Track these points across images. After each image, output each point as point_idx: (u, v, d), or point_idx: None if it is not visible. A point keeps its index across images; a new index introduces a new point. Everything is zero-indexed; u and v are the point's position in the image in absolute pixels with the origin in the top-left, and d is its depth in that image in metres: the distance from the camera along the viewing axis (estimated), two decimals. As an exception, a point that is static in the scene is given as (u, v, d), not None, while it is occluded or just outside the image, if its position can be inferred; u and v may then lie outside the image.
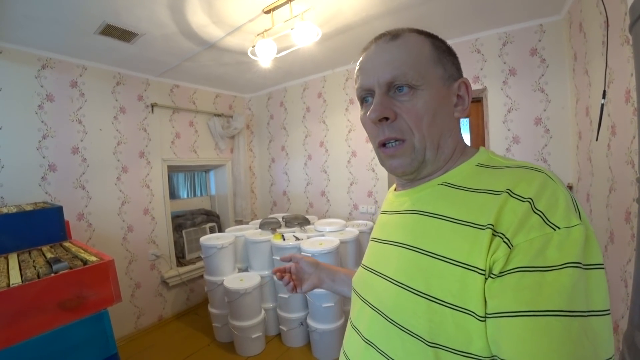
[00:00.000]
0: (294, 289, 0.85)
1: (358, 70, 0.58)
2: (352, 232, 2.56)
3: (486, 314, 0.40)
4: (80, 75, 2.43)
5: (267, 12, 1.85)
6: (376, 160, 2.93)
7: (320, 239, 2.44)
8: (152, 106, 2.90)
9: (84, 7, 1.70)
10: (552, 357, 0.34)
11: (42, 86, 2.23)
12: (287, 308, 2.43)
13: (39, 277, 1.16)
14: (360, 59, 0.58)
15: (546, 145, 2.19)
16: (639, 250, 1.01)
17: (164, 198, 3.00)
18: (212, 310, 2.58)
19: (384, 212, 0.66)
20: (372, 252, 0.64)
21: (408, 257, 0.51)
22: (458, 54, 0.58)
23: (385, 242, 0.59)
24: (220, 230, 3.62)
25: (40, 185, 2.22)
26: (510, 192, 0.43)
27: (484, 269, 0.41)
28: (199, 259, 3.25)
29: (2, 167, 2.05)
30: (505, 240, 0.40)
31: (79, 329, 1.20)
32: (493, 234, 0.41)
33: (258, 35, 2.04)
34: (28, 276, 1.15)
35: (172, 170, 3.27)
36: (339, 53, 2.66)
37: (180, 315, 3.07)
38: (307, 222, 2.87)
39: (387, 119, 0.53)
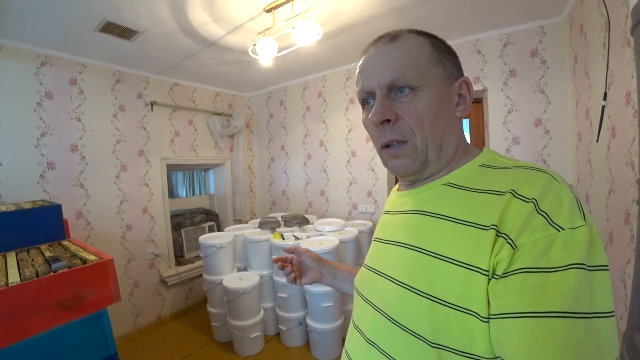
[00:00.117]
0: (295, 280, 0.86)
1: (358, 73, 0.58)
2: (351, 231, 2.56)
3: (489, 314, 0.40)
4: (80, 73, 2.42)
5: (268, 10, 1.85)
6: (376, 160, 2.93)
7: (320, 238, 2.44)
8: (152, 104, 2.89)
9: (85, 3, 1.69)
10: (556, 359, 0.34)
11: (41, 83, 2.21)
12: (286, 307, 2.43)
13: (37, 276, 1.15)
14: (361, 61, 0.58)
15: (546, 147, 2.20)
16: (638, 251, 1.02)
17: (163, 197, 2.99)
18: (211, 309, 2.58)
19: (387, 212, 0.66)
20: (374, 252, 0.64)
21: (411, 257, 0.51)
22: (458, 55, 0.58)
23: (388, 242, 0.59)
24: (219, 229, 3.62)
25: (38, 183, 2.21)
26: (514, 193, 0.43)
27: (487, 269, 0.41)
28: (197, 258, 3.24)
29: (1, 165, 2.04)
30: (509, 241, 0.40)
31: (78, 329, 1.19)
32: (497, 235, 0.41)
33: (259, 33, 2.03)
34: (27, 275, 1.15)
35: (171, 169, 3.26)
36: (339, 52, 2.66)
37: (179, 315, 3.06)
38: (307, 221, 2.87)
39: (388, 121, 0.53)
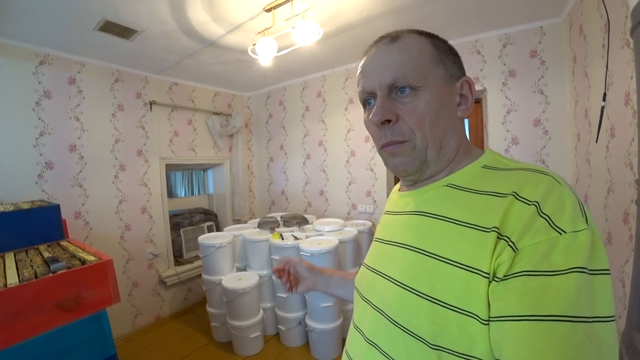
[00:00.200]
0: (290, 289, 0.89)
1: (360, 73, 0.58)
2: (350, 231, 2.56)
3: (489, 317, 0.40)
4: (79, 72, 2.41)
5: (268, 10, 1.85)
6: (375, 160, 2.93)
7: (319, 238, 2.44)
8: (151, 104, 2.88)
9: (84, 2, 1.68)
10: None
11: (39, 83, 2.20)
12: (286, 308, 2.43)
13: (36, 277, 1.15)
14: (362, 62, 0.58)
15: (545, 147, 2.20)
16: (637, 251, 1.02)
17: (162, 197, 2.98)
18: (210, 309, 2.57)
19: (388, 213, 0.66)
20: (375, 252, 0.64)
21: (412, 258, 0.51)
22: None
23: (388, 243, 0.59)
24: (218, 229, 3.62)
25: (37, 183, 2.20)
26: (516, 195, 0.42)
27: (488, 272, 0.41)
28: (196, 258, 3.24)
29: (-1, 165, 2.03)
30: (510, 243, 0.40)
31: (77, 330, 1.18)
32: (498, 237, 0.41)
33: (259, 33, 2.02)
34: (25, 276, 1.14)
35: (170, 168, 3.25)
36: (339, 52, 2.66)
37: (178, 315, 3.06)
38: (306, 221, 2.86)
39: (389, 121, 0.53)
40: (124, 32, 2.04)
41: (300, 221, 2.83)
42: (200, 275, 2.87)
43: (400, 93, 0.52)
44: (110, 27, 1.97)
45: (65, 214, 2.12)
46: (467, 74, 0.58)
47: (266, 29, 1.96)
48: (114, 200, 2.63)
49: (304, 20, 1.77)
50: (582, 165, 1.88)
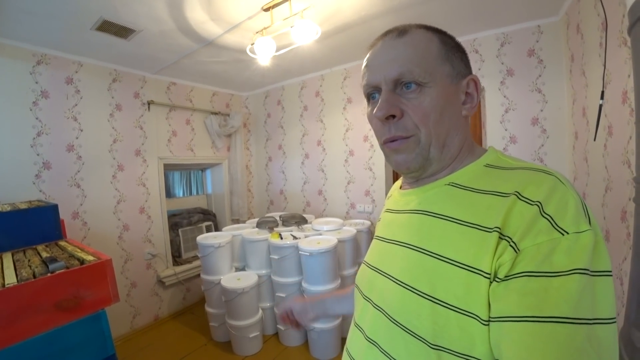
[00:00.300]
0: (298, 327, 0.93)
1: (365, 67, 0.57)
2: (349, 231, 2.56)
3: (490, 317, 0.40)
4: (76, 72, 2.40)
5: (267, 9, 1.84)
6: (373, 159, 2.93)
7: (318, 238, 2.44)
8: (149, 104, 2.87)
9: (81, 2, 1.67)
10: None
11: (37, 82, 2.19)
12: (285, 307, 2.42)
13: (34, 276, 1.14)
14: (367, 55, 0.57)
15: (543, 145, 2.21)
16: (635, 248, 1.03)
17: (160, 197, 2.98)
18: (209, 309, 2.57)
19: (389, 211, 0.66)
20: (376, 251, 0.64)
21: (413, 257, 0.51)
22: None
23: (390, 242, 0.58)
24: (217, 229, 3.61)
25: (34, 183, 2.19)
26: (518, 195, 0.42)
27: (489, 272, 0.41)
28: (195, 258, 3.23)
29: (-4, 165, 2.02)
30: (511, 244, 0.40)
31: (76, 330, 1.18)
32: (500, 237, 0.41)
33: (257, 33, 2.02)
34: (23, 276, 1.14)
35: (168, 168, 3.24)
36: (337, 52, 2.66)
37: (177, 315, 3.05)
38: (305, 221, 2.86)
39: (393, 116, 0.52)
40: (122, 31, 2.03)
41: (299, 221, 2.83)
42: (198, 275, 2.87)
43: (405, 89, 0.52)
44: (108, 27, 1.96)
45: (63, 214, 2.10)
46: (466, 72, 0.57)
47: (264, 28, 1.96)
48: (112, 201, 2.62)
49: (303, 20, 1.77)
50: (580, 163, 1.89)
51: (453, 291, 0.43)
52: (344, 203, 3.18)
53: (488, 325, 0.40)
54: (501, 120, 2.33)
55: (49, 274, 1.15)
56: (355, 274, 0.69)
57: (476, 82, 0.55)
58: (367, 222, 2.81)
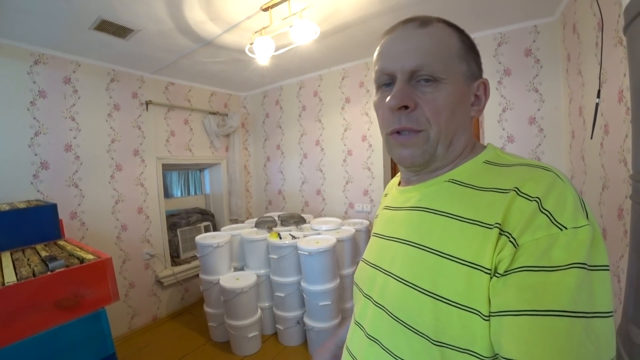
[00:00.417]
0: None
1: (380, 53, 0.55)
2: (348, 230, 2.56)
3: (490, 312, 0.40)
4: (74, 72, 2.39)
5: (265, 9, 1.85)
6: (372, 159, 2.94)
7: (317, 237, 2.44)
8: (147, 104, 2.87)
9: (80, 1, 1.67)
10: (555, 358, 0.34)
11: (34, 82, 2.19)
12: (284, 307, 2.43)
13: (34, 275, 1.14)
14: (383, 41, 0.56)
15: (540, 144, 2.23)
16: (632, 246, 1.04)
17: (159, 197, 2.97)
18: (207, 309, 2.57)
19: (388, 208, 0.65)
20: (375, 248, 0.63)
21: (414, 254, 0.51)
22: None
23: (389, 239, 0.58)
24: (215, 229, 3.60)
25: (32, 183, 2.18)
26: (517, 191, 0.42)
27: (489, 268, 0.41)
28: (193, 258, 3.23)
29: (-7, 165, 2.01)
30: (511, 239, 0.40)
31: (76, 329, 1.18)
32: (500, 233, 0.41)
33: (256, 32, 2.02)
34: (23, 275, 1.13)
35: (167, 168, 3.23)
36: (336, 52, 2.67)
37: (175, 315, 3.04)
38: (303, 220, 2.87)
39: (406, 107, 0.51)
40: (120, 31, 2.03)
41: (298, 220, 2.83)
42: (197, 276, 2.86)
43: (422, 82, 0.51)
44: (107, 26, 1.96)
45: (61, 215, 2.09)
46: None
47: (263, 28, 1.96)
48: (110, 201, 2.61)
49: (301, 20, 1.77)
50: (577, 162, 1.90)
51: (455, 288, 0.43)
52: (342, 203, 3.18)
53: (488, 320, 0.40)
54: (499, 120, 2.35)
55: (48, 273, 1.15)
56: (354, 273, 0.69)
57: (486, 86, 0.55)
58: (366, 222, 2.81)
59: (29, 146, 2.17)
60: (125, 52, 2.38)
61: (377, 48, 0.57)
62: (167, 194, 3.49)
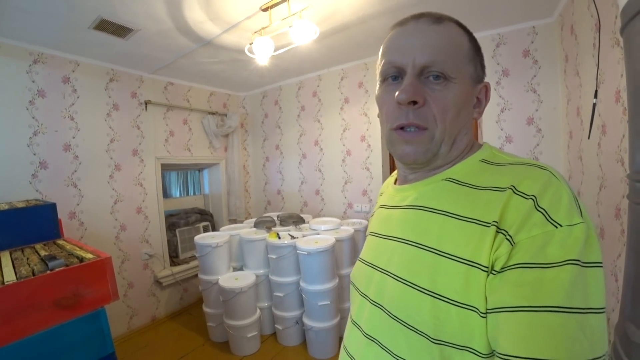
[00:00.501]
0: None
1: (389, 45, 0.55)
2: (347, 230, 2.57)
3: (487, 309, 0.41)
4: (73, 71, 2.39)
5: (265, 9, 1.85)
6: (371, 159, 2.95)
7: (316, 237, 2.44)
8: (146, 103, 2.86)
9: (79, 0, 1.67)
10: (550, 353, 0.35)
11: (33, 81, 2.18)
12: (283, 307, 2.43)
13: (34, 274, 1.14)
14: (394, 33, 0.55)
15: (538, 145, 2.24)
16: (629, 245, 1.04)
17: (158, 197, 2.97)
18: (206, 309, 2.56)
19: (384, 206, 0.65)
20: (371, 247, 0.63)
21: (412, 253, 0.51)
22: None
23: (386, 238, 0.58)
24: (214, 229, 3.60)
25: (30, 183, 2.17)
26: (514, 189, 0.43)
27: (487, 265, 0.41)
28: (192, 258, 3.23)
29: (-8, 164, 2.00)
30: (508, 237, 0.41)
31: (75, 328, 1.18)
32: (497, 231, 0.42)
33: (255, 32, 2.03)
34: (23, 274, 1.13)
35: (166, 168, 3.23)
36: (335, 52, 2.67)
37: (174, 316, 3.04)
38: (302, 220, 2.87)
39: (414, 103, 0.50)
40: (120, 30, 2.03)
41: (297, 220, 2.83)
42: (196, 276, 2.86)
43: (432, 79, 0.50)
44: (106, 26, 1.96)
45: (60, 214, 2.08)
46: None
47: (263, 28, 1.97)
48: (109, 200, 2.61)
49: (301, 20, 1.78)
50: (575, 162, 1.91)
51: (453, 286, 0.43)
52: (341, 203, 3.19)
53: (486, 317, 0.41)
54: (497, 120, 2.36)
55: (48, 272, 1.15)
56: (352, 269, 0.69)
57: (487, 89, 0.56)
58: (365, 222, 2.82)
59: (28, 145, 2.17)
60: (125, 52, 2.38)
61: (386, 40, 0.56)
62: (166, 194, 3.49)
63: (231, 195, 3.72)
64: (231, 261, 2.71)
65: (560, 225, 0.39)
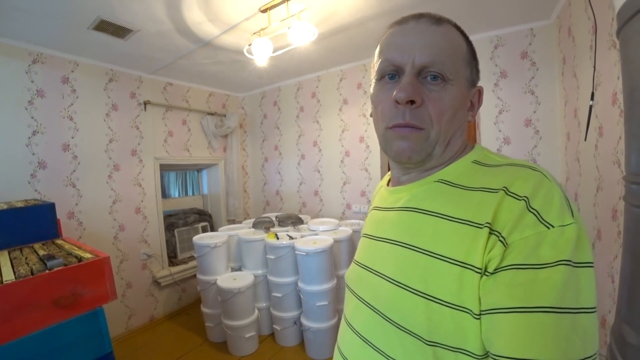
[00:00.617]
0: None
1: (388, 43, 0.54)
2: (345, 231, 2.57)
3: (480, 311, 0.41)
4: (72, 71, 2.39)
5: (264, 11, 1.86)
6: (369, 160, 2.95)
7: (314, 238, 2.45)
8: (145, 104, 2.87)
9: (79, 1, 1.67)
10: (544, 353, 0.35)
11: (32, 81, 2.19)
12: (281, 307, 2.43)
13: (32, 274, 1.14)
14: (393, 31, 0.55)
15: (536, 146, 2.25)
16: (625, 246, 1.05)
17: (156, 197, 2.97)
18: (204, 309, 2.56)
19: (377, 208, 0.65)
20: (365, 249, 0.63)
21: (405, 255, 0.51)
22: None
23: (379, 239, 0.58)
24: (213, 229, 3.60)
25: (29, 183, 2.17)
26: (506, 190, 0.43)
27: (480, 267, 0.41)
28: (191, 258, 3.22)
29: (-9, 164, 2.01)
30: (500, 238, 0.41)
31: (74, 327, 1.18)
32: (490, 232, 0.42)
33: (254, 34, 2.04)
34: (21, 273, 1.14)
35: (164, 169, 3.23)
36: (334, 53, 2.68)
37: (172, 316, 3.04)
38: (301, 221, 2.87)
39: (412, 102, 0.50)
40: (119, 31, 2.03)
41: (295, 221, 2.83)
42: (194, 276, 2.86)
43: (430, 79, 0.50)
44: (105, 26, 1.96)
45: (59, 214, 2.08)
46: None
47: (262, 29, 1.97)
48: (107, 200, 2.61)
49: (300, 21, 1.79)
50: (572, 164, 1.92)
51: (447, 287, 0.44)
52: (339, 203, 3.19)
53: (479, 319, 0.41)
54: (495, 122, 2.37)
55: (47, 271, 1.15)
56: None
57: (481, 93, 0.57)
58: (363, 223, 2.82)
59: (27, 145, 2.17)
60: (124, 52, 2.38)
61: (384, 38, 0.56)
62: (165, 194, 3.49)
63: (230, 196, 3.72)
64: (229, 261, 2.71)
65: (552, 226, 0.39)
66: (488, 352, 0.40)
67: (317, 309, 2.25)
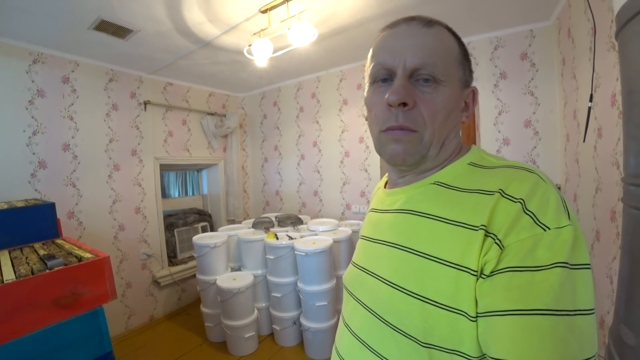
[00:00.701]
0: None
1: (380, 46, 0.54)
2: (345, 231, 2.57)
3: (477, 313, 0.41)
4: (73, 71, 2.40)
5: (264, 11, 1.86)
6: (369, 160, 2.96)
7: (314, 238, 2.45)
8: (145, 104, 2.87)
9: (79, 1, 1.68)
10: (541, 355, 0.35)
11: (33, 81, 2.19)
12: (280, 307, 2.44)
13: (33, 273, 1.14)
14: (384, 34, 0.55)
15: (535, 147, 2.25)
16: (623, 248, 1.05)
17: (156, 197, 2.97)
18: (204, 309, 2.57)
19: (374, 210, 0.65)
20: (363, 251, 0.63)
21: (401, 257, 0.51)
22: None
23: (376, 241, 0.58)
24: (213, 229, 3.60)
25: (29, 182, 2.18)
26: (502, 192, 0.43)
27: (476, 269, 0.41)
28: (190, 258, 3.23)
29: (-9, 164, 2.01)
30: (496, 241, 0.41)
31: (73, 327, 1.18)
32: (485, 235, 0.42)
33: (254, 34, 2.04)
34: (22, 273, 1.14)
35: (164, 169, 3.24)
36: (333, 54, 2.69)
37: (172, 316, 3.04)
38: (300, 221, 2.87)
39: (405, 105, 0.50)
40: (119, 31, 2.04)
41: (295, 221, 2.84)
42: (194, 276, 2.86)
43: (422, 81, 0.50)
44: (106, 27, 1.96)
45: (59, 214, 2.08)
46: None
47: (262, 30, 1.98)
48: (107, 200, 2.61)
49: (300, 22, 1.79)
50: (571, 165, 1.93)
51: (442, 290, 0.44)
52: (339, 204, 3.20)
53: (475, 321, 0.41)
54: (495, 123, 2.37)
55: (47, 271, 1.16)
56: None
57: (475, 94, 0.57)
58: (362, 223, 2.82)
59: (27, 145, 2.17)
60: (124, 53, 2.38)
61: (376, 41, 0.56)
62: (165, 194, 3.49)
63: (230, 196, 3.73)
64: (229, 261, 2.71)
65: (549, 228, 0.39)
66: (485, 354, 0.40)
67: (316, 309, 2.25)
